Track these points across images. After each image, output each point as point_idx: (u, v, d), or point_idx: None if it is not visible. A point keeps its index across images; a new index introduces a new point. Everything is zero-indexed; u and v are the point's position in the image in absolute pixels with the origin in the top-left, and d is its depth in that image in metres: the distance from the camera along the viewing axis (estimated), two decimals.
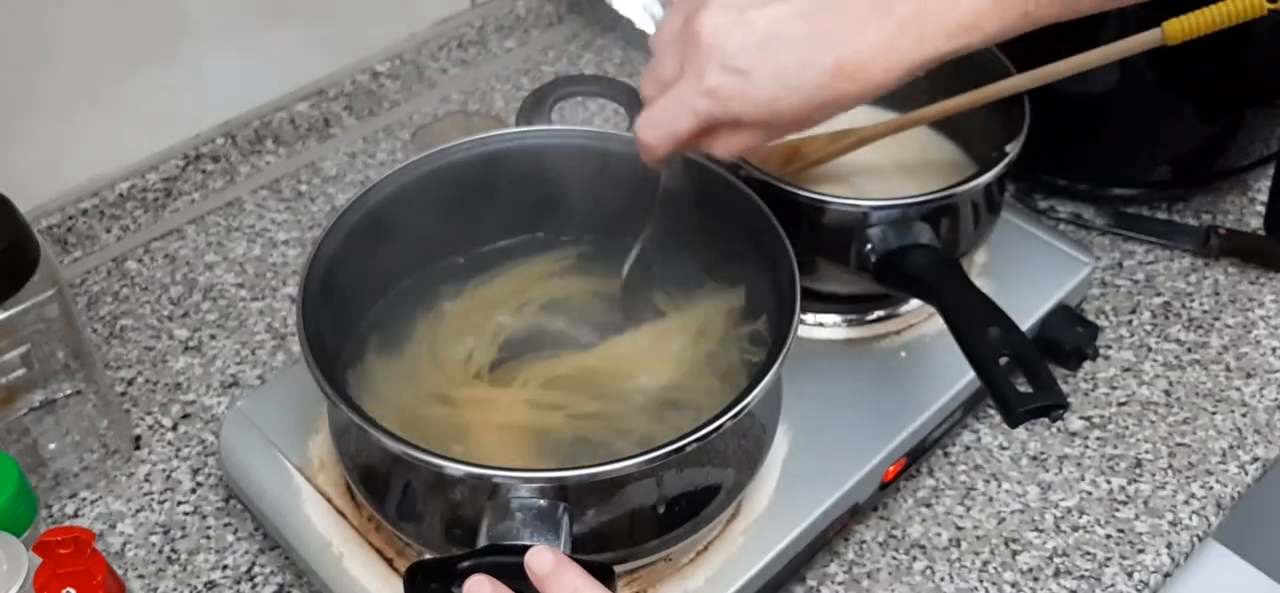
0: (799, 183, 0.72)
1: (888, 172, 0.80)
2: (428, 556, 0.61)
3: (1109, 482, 0.77)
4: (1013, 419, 0.60)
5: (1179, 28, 0.69)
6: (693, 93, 0.53)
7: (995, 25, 0.50)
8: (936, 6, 0.50)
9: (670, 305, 0.71)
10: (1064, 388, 0.82)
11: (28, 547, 0.62)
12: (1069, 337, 0.80)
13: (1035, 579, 0.71)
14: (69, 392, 0.72)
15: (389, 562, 0.64)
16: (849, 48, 0.51)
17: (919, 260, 0.69)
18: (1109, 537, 0.73)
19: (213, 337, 0.85)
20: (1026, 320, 0.78)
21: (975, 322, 0.64)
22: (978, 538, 0.73)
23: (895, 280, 0.70)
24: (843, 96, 0.52)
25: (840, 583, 0.71)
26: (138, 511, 0.74)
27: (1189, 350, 0.85)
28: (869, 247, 0.71)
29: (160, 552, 0.72)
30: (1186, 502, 0.75)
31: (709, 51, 0.52)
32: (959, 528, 0.74)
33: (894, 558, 0.72)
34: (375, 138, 1.03)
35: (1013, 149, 0.73)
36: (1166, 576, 0.72)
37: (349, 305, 0.69)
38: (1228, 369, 0.84)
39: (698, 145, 0.56)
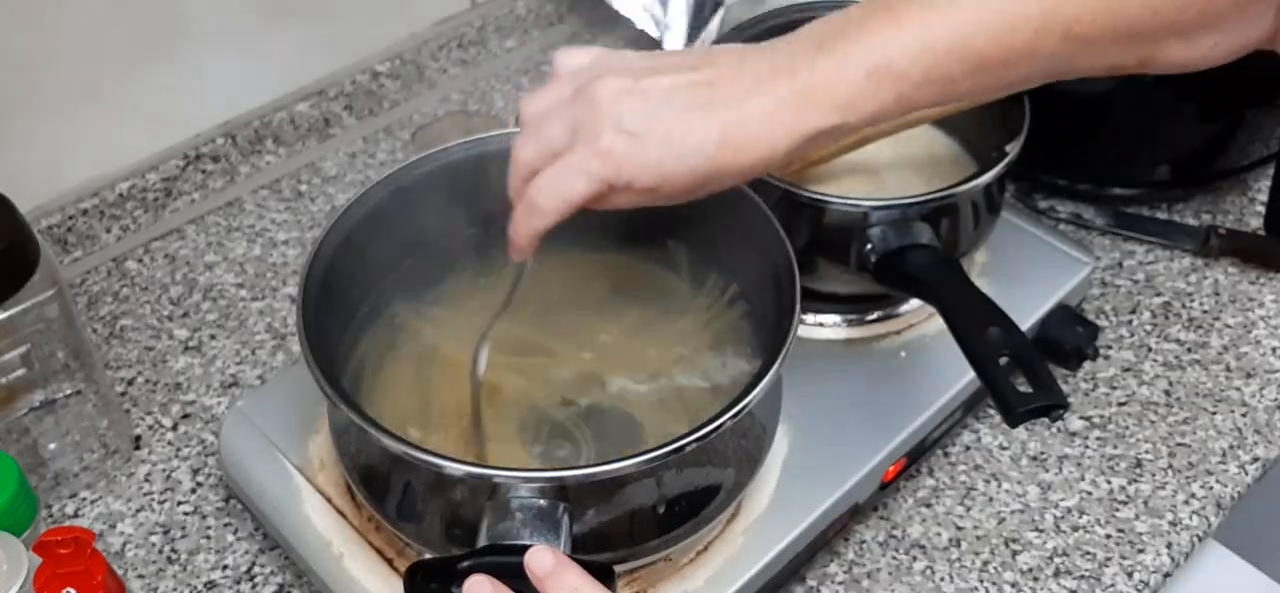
0: (799, 183, 0.72)
1: (890, 170, 0.80)
2: (428, 555, 0.61)
3: (1109, 482, 0.77)
4: (1012, 419, 0.60)
5: None
6: (588, 155, 0.53)
7: (872, 106, 0.52)
8: (818, 84, 0.52)
9: (669, 305, 0.71)
10: (1064, 388, 0.82)
11: (28, 547, 0.62)
12: (1069, 337, 0.80)
13: (1035, 579, 0.71)
14: (69, 392, 0.72)
15: (389, 562, 0.64)
16: (734, 116, 0.52)
17: (919, 260, 0.69)
18: (1109, 537, 0.73)
19: (213, 337, 0.85)
20: (1026, 320, 0.78)
21: (975, 322, 0.64)
22: (978, 538, 0.73)
23: (895, 280, 0.70)
24: (727, 169, 0.53)
25: (840, 583, 0.71)
26: (138, 510, 0.74)
27: (1189, 350, 0.85)
28: (869, 247, 0.71)
29: (160, 552, 0.72)
30: (1186, 502, 0.75)
31: (604, 114, 0.53)
32: (959, 528, 0.74)
33: (894, 558, 0.72)
34: (375, 138, 1.03)
35: (1013, 149, 0.73)
36: (1166, 576, 0.73)
37: (349, 305, 0.69)
38: (1228, 369, 0.84)
39: (589, 206, 0.56)
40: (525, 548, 0.53)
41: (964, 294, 0.66)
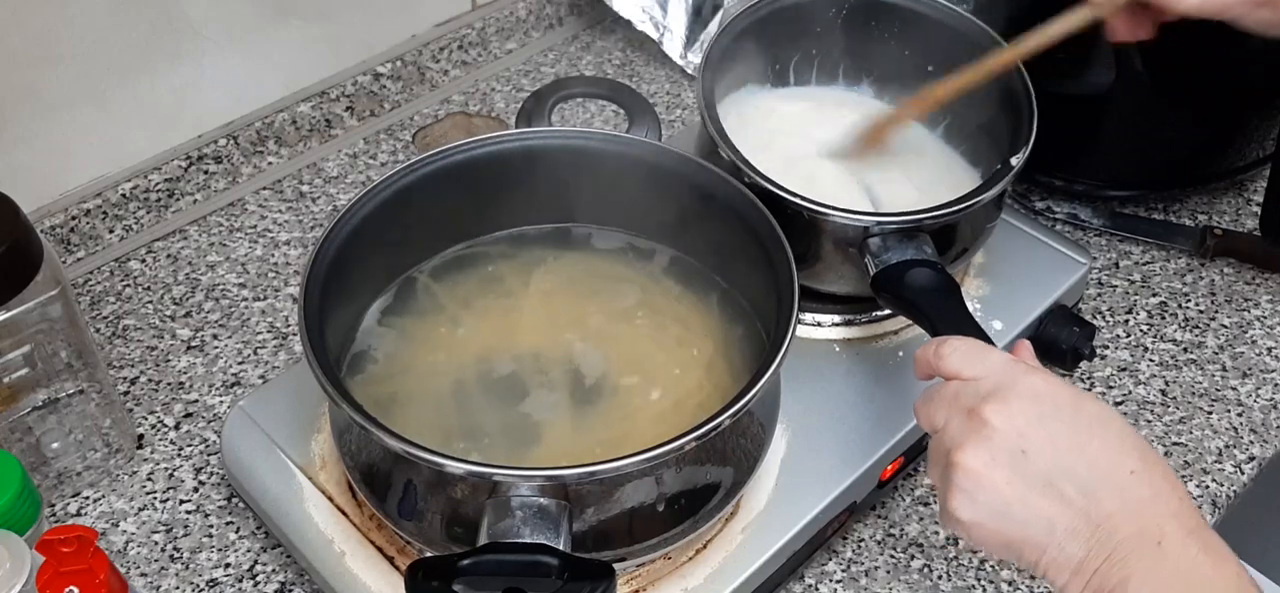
0: (800, 193, 0.71)
1: (888, 179, 0.80)
2: (429, 554, 0.62)
3: None
4: None
5: None
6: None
7: None
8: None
9: (668, 306, 0.72)
10: None
11: (31, 546, 0.62)
12: (1066, 336, 0.80)
13: (1032, 578, 0.72)
14: (72, 391, 0.72)
15: (390, 560, 0.65)
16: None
17: (919, 281, 0.68)
18: None
19: (215, 336, 0.85)
20: (1024, 320, 0.79)
21: None
22: None
23: (893, 300, 0.69)
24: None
25: (838, 581, 0.72)
26: (140, 509, 0.74)
27: (1185, 350, 0.86)
28: (867, 258, 0.70)
29: (163, 550, 0.72)
30: None
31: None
32: None
33: (892, 556, 0.73)
34: (377, 139, 1.03)
35: (1017, 161, 0.73)
36: None
37: (351, 305, 0.69)
38: (1224, 369, 0.84)
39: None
40: (527, 546, 0.53)
41: (961, 330, 0.64)
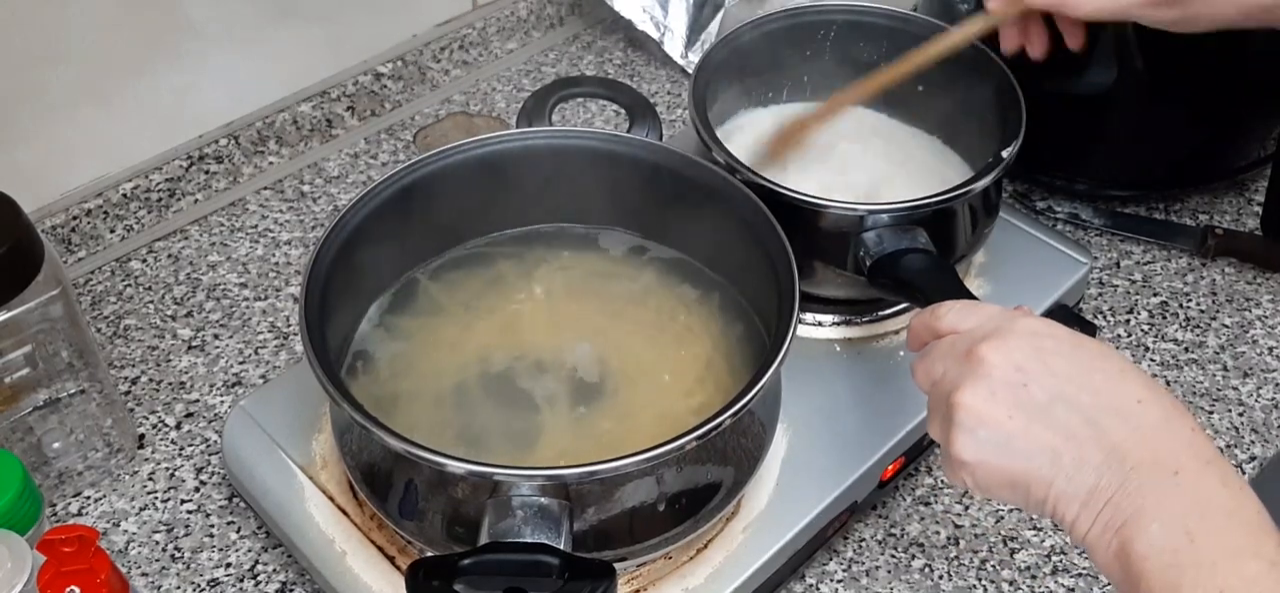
0: (797, 187, 0.72)
1: (886, 179, 0.81)
2: (429, 553, 0.62)
3: None
4: None
5: None
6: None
7: None
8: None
9: (669, 305, 0.72)
10: None
11: (32, 545, 0.62)
12: None
13: (1033, 577, 0.72)
14: (73, 391, 0.73)
15: (391, 560, 0.65)
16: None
17: (913, 264, 0.69)
18: None
19: (216, 336, 0.85)
20: None
21: None
22: (976, 536, 0.74)
23: (889, 285, 0.70)
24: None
25: (839, 581, 0.72)
26: (141, 509, 0.74)
27: (1186, 350, 0.86)
28: (863, 251, 0.71)
29: (164, 550, 0.72)
30: None
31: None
32: (957, 526, 0.74)
33: (893, 556, 0.73)
34: (378, 138, 1.03)
35: (1009, 154, 0.73)
36: None
37: (352, 305, 0.69)
38: (1225, 369, 0.84)
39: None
40: (527, 546, 0.53)
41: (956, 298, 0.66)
